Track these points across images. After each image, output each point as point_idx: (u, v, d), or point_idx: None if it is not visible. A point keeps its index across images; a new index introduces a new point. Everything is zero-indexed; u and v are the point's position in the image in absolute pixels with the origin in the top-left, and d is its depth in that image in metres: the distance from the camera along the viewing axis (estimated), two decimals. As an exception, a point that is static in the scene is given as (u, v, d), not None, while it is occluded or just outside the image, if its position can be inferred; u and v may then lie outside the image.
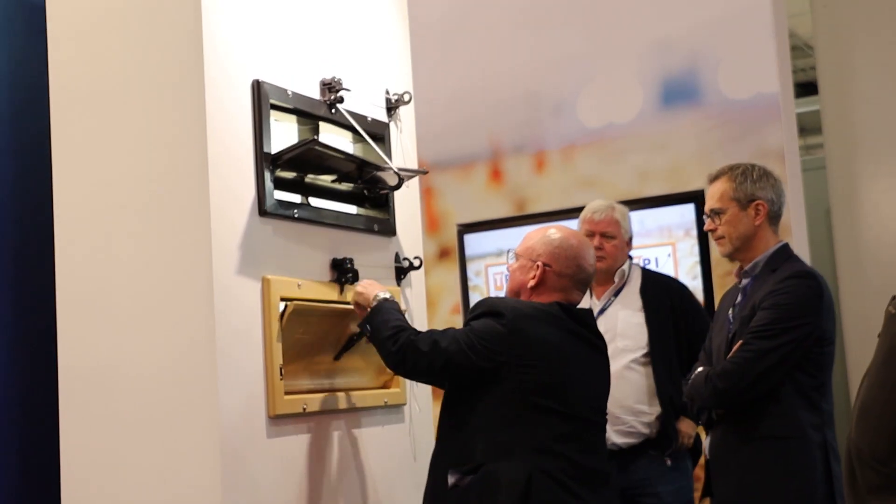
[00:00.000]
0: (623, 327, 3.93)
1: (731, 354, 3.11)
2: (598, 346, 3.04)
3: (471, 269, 5.44)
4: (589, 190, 5.15)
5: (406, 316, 3.38)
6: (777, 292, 3.09)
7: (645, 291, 3.98)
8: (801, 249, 4.65)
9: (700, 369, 3.26)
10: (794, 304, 3.08)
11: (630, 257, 4.12)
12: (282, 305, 2.97)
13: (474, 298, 5.42)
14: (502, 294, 5.27)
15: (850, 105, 5.15)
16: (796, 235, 4.63)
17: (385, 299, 2.98)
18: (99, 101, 2.99)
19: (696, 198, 4.80)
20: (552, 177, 5.28)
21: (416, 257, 3.51)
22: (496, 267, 5.39)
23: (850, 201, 5.18)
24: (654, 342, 3.88)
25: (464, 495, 2.79)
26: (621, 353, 3.88)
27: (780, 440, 3.09)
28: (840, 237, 5.24)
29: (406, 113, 3.61)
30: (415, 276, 3.56)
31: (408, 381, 3.42)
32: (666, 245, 4.96)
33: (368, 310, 2.97)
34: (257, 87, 2.99)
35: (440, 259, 5.51)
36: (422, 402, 3.54)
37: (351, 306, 3.09)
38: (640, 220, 4.80)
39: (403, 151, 3.55)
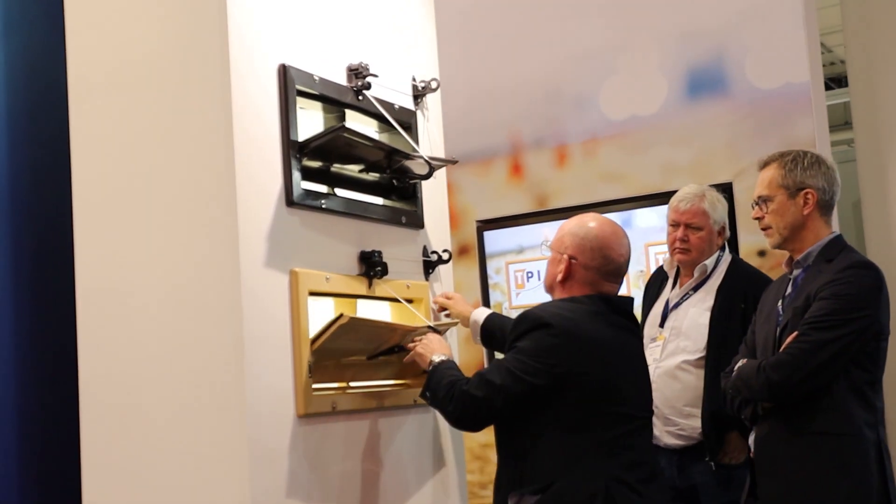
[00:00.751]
0: (688, 326, 3.75)
1: (785, 345, 2.97)
2: (636, 333, 2.95)
3: (490, 266, 5.31)
4: (612, 184, 5.04)
5: (433, 316, 3.28)
6: (836, 282, 2.96)
7: (721, 289, 3.76)
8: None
9: (744, 361, 3.12)
10: (854, 294, 2.94)
11: (723, 248, 3.90)
12: (320, 312, 2.88)
13: (495, 297, 5.29)
14: (526, 290, 5.22)
15: (880, 97, 5.03)
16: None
17: (440, 362, 2.89)
18: (119, 90, 2.87)
19: (724, 191, 4.65)
20: (574, 171, 5.15)
21: (444, 250, 3.39)
22: (517, 264, 5.26)
23: (880, 194, 5.06)
24: (713, 346, 3.67)
25: None
26: (679, 352, 3.72)
27: (834, 437, 2.95)
28: (870, 230, 5.12)
29: (433, 101, 3.48)
30: (443, 270, 3.44)
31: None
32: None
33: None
34: (284, 72, 2.87)
35: (459, 257, 5.35)
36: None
37: (399, 322, 3.02)
38: (665, 215, 4.66)
39: (430, 140, 3.43)
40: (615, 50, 5.05)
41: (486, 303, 5.23)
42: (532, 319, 2.76)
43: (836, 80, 9.23)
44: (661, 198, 4.84)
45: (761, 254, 4.56)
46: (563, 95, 5.17)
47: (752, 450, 3.15)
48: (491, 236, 5.31)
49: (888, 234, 5.04)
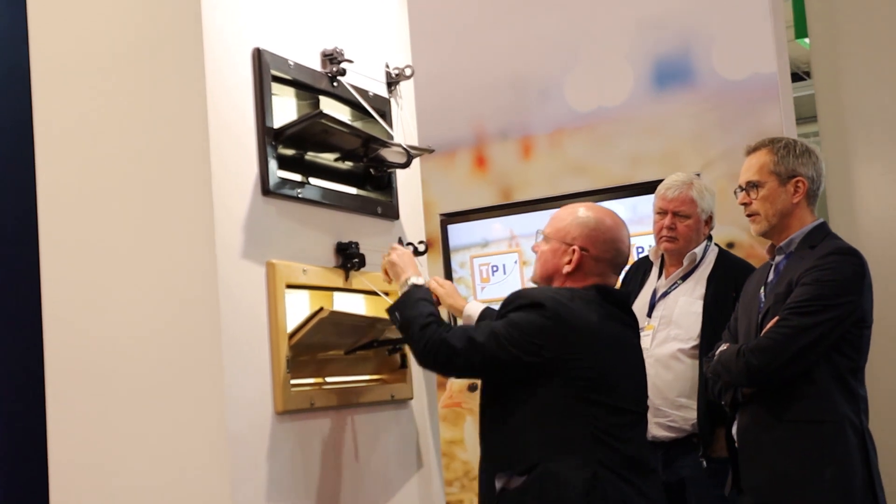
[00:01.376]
0: (679, 315, 3.68)
1: (766, 330, 2.93)
2: (634, 329, 2.87)
3: (455, 260, 5.22)
4: (579, 176, 4.98)
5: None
6: (819, 268, 2.92)
7: (712, 278, 3.71)
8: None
9: (725, 346, 3.08)
10: (836, 281, 2.91)
11: (709, 237, 3.85)
12: (296, 305, 2.78)
13: (459, 291, 5.20)
14: (492, 284, 5.14)
15: (843, 88, 5.01)
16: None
17: (416, 286, 2.77)
18: (85, 74, 2.74)
19: (692, 182, 4.63)
20: (540, 163, 5.09)
21: (420, 241, 3.30)
22: (482, 258, 5.19)
23: (845, 185, 5.05)
24: (706, 335, 3.60)
25: (518, 499, 2.58)
26: (671, 340, 3.65)
27: (816, 424, 2.92)
28: (836, 221, 5.11)
29: (406, 88, 3.39)
30: (419, 262, 3.34)
31: (414, 375, 3.21)
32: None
33: (399, 293, 2.78)
34: (258, 56, 2.76)
35: (422, 251, 5.29)
36: (428, 396, 3.32)
37: (376, 315, 2.91)
38: (633, 207, 4.64)
39: (404, 129, 3.33)
40: (581, 40, 5.00)
41: (451, 297, 5.14)
42: (526, 297, 2.68)
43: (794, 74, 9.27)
44: (629, 190, 4.81)
45: (730, 245, 4.53)
46: (529, 86, 5.11)
47: (736, 439, 3.10)
48: (455, 230, 5.23)
49: (853, 226, 5.04)
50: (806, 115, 6.28)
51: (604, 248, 2.76)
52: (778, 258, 3.10)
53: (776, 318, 2.93)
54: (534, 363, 2.59)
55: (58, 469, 2.69)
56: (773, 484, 2.97)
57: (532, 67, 5.09)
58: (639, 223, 4.75)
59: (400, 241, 3.03)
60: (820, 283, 2.90)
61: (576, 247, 2.75)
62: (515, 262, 5.11)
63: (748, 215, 3.12)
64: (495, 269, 5.15)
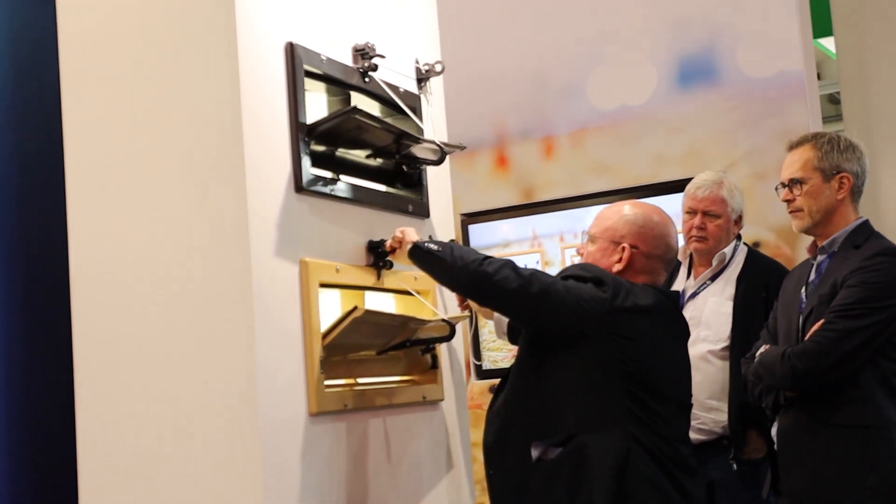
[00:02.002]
0: (708, 316, 3.62)
1: (811, 333, 2.87)
2: (687, 333, 2.83)
3: (475, 261, 5.16)
4: (601, 176, 4.93)
5: (443, 308, 3.15)
6: (865, 269, 2.86)
7: (742, 278, 3.64)
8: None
9: (765, 347, 3.02)
10: (883, 283, 2.85)
11: (738, 237, 3.79)
12: (328, 304, 2.73)
13: (479, 292, 5.15)
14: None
15: (869, 87, 4.96)
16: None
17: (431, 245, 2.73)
18: (116, 69, 2.68)
19: (716, 182, 4.57)
20: (561, 163, 5.03)
21: (451, 240, 3.24)
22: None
23: (870, 185, 4.98)
24: (737, 335, 3.54)
25: (554, 470, 2.54)
26: (701, 342, 3.57)
27: (861, 429, 2.86)
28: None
29: (436, 84, 3.34)
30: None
31: (445, 376, 3.16)
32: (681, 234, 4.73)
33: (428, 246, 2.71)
34: (291, 51, 2.71)
35: (442, 251, 5.23)
36: (457, 398, 3.27)
37: (409, 314, 2.88)
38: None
39: (434, 126, 3.28)
40: (604, 38, 4.94)
41: (471, 299, 5.09)
42: (586, 269, 2.66)
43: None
44: (652, 189, 4.75)
45: (756, 245, 4.47)
46: (550, 85, 5.05)
47: (776, 442, 3.05)
48: (476, 230, 5.17)
49: (878, 226, 4.97)
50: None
51: (654, 244, 2.72)
52: (820, 258, 3.04)
53: (822, 322, 2.87)
54: (580, 331, 2.55)
55: (87, 471, 2.63)
56: (813, 488, 2.92)
57: (554, 66, 5.04)
58: (663, 223, 4.69)
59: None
60: (866, 286, 2.84)
61: (625, 244, 2.71)
62: (537, 262, 5.06)
63: (791, 212, 3.06)
64: (517, 269, 5.09)
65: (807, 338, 2.89)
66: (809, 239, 3.14)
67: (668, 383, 2.66)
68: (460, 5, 5.17)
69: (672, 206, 4.61)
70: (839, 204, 3.00)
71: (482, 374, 5.11)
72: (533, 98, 5.08)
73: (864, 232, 2.99)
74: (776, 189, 3.12)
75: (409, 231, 2.80)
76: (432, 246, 2.68)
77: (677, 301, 2.85)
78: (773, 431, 3.06)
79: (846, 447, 2.87)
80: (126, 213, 2.63)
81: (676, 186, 4.67)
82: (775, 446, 3.07)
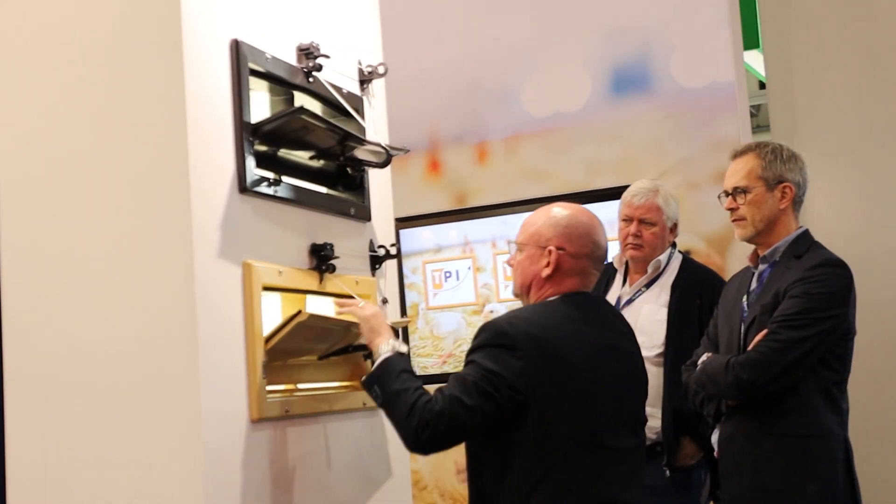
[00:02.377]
0: (643, 323, 3.62)
1: (755, 343, 2.89)
2: (621, 331, 2.69)
3: (407, 265, 5.14)
4: (534, 182, 4.94)
5: (381, 310, 3.10)
6: (808, 280, 2.89)
7: (676, 286, 3.67)
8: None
9: (708, 356, 3.03)
10: (825, 293, 2.88)
11: (673, 245, 3.81)
12: (268, 308, 2.65)
13: (411, 297, 5.13)
14: (444, 290, 5.03)
15: (796, 99, 5.04)
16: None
17: (396, 355, 2.58)
18: (51, 66, 2.58)
19: (648, 190, 4.60)
20: (495, 168, 5.03)
21: (392, 244, 3.20)
22: (434, 264, 5.11)
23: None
24: (671, 342, 3.57)
25: None
26: None
27: (801, 438, 2.89)
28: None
29: (378, 87, 3.29)
30: (388, 266, 3.25)
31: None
32: (616, 241, 4.74)
33: (375, 358, 2.60)
34: (236, 48, 2.64)
35: (373, 256, 5.18)
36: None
37: (353, 319, 2.76)
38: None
39: (375, 128, 3.23)
40: (539, 45, 4.96)
41: (403, 304, 5.05)
42: (494, 331, 2.49)
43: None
44: (586, 196, 4.77)
45: (687, 253, 4.51)
46: (485, 90, 5.05)
47: (716, 449, 3.06)
48: (407, 235, 5.14)
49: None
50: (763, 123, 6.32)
51: (580, 243, 2.61)
52: (762, 267, 3.07)
53: (765, 332, 2.89)
54: (508, 409, 2.43)
55: (18, 477, 2.53)
56: (754, 495, 2.94)
57: (489, 71, 5.04)
58: (595, 230, 4.71)
59: (384, 301, 2.89)
60: (809, 296, 2.87)
61: (552, 247, 2.60)
62: (469, 268, 5.05)
63: (734, 220, 3.09)
64: (448, 275, 5.08)
65: (750, 348, 2.91)
66: (741, 247, 3.18)
67: (604, 424, 2.52)
68: (395, 9, 5.13)
69: (606, 213, 4.61)
70: (781, 213, 3.03)
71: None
72: (467, 103, 5.07)
73: (805, 242, 3.03)
74: (719, 197, 3.14)
75: (374, 327, 2.68)
76: (376, 389, 2.54)
77: (602, 304, 2.76)
78: (714, 438, 3.07)
79: (787, 456, 2.89)
80: (63, 215, 2.53)
81: (610, 194, 4.72)
82: (715, 453, 3.08)
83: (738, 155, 3.11)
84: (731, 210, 3.07)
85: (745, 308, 3.03)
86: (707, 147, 4.62)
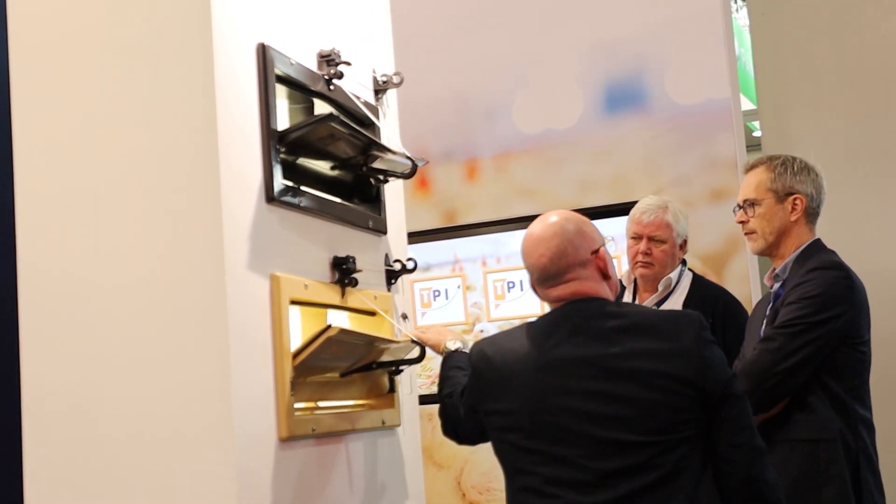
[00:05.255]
0: None
1: (752, 353, 2.87)
2: (603, 343, 2.39)
3: (394, 284, 5.02)
4: (525, 200, 4.87)
5: (400, 323, 3.03)
6: (802, 285, 2.87)
7: (688, 304, 3.61)
8: (751, 262, 4.49)
9: None
10: (820, 296, 2.85)
11: (683, 262, 3.76)
12: (293, 321, 2.56)
13: (398, 316, 5.02)
14: (433, 310, 4.93)
15: (787, 116, 5.05)
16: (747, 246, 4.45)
17: (451, 352, 2.91)
18: (79, 74, 2.46)
19: (644, 208, 4.56)
20: (485, 186, 4.96)
21: (408, 259, 3.12)
22: (423, 283, 5.01)
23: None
24: None
25: None
26: None
27: (811, 443, 2.86)
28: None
29: (392, 97, 3.21)
30: (403, 281, 3.16)
31: (398, 401, 3.02)
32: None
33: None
34: (263, 53, 2.54)
35: (359, 274, 5.08)
36: (412, 423, 3.13)
37: (379, 335, 2.79)
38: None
39: (389, 139, 3.14)
40: (530, 61, 4.91)
41: (391, 323, 4.95)
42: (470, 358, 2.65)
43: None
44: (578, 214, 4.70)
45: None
46: (475, 107, 4.99)
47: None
48: (395, 253, 5.03)
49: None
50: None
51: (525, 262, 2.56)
52: (776, 286, 3.03)
53: (762, 340, 2.88)
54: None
55: (44, 491, 2.39)
56: None
57: (479, 87, 4.98)
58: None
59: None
60: (802, 301, 2.85)
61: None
62: (458, 286, 4.96)
63: (746, 234, 3.06)
64: (437, 293, 4.99)
65: (748, 357, 2.89)
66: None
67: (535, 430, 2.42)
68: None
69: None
70: (793, 225, 3.00)
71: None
72: (457, 120, 5.00)
73: (812, 250, 2.99)
74: (733, 210, 3.11)
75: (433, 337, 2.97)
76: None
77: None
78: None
79: (798, 462, 2.85)
80: (91, 226, 2.41)
81: (604, 212, 4.67)
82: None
83: (750, 168, 3.09)
84: (742, 223, 3.04)
85: (763, 328, 2.99)
86: (702, 165, 4.60)
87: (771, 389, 2.83)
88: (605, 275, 2.50)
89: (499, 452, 2.50)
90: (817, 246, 3.03)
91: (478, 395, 2.53)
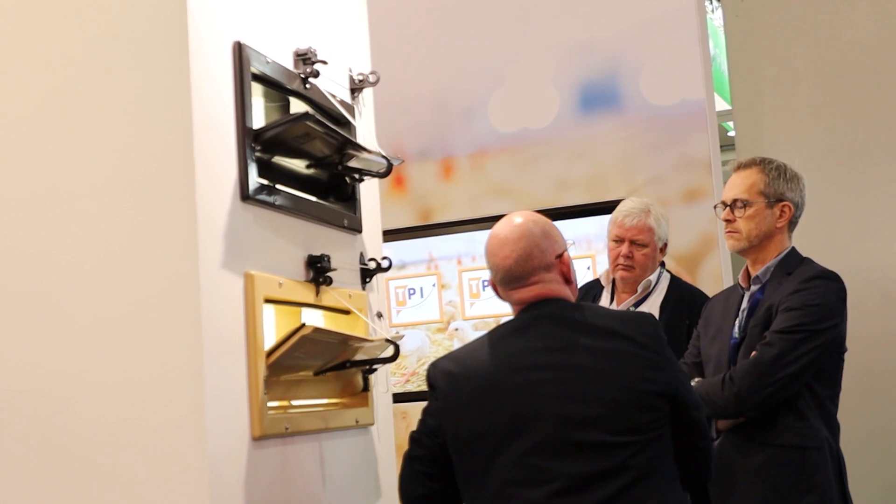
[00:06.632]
0: None
1: (752, 355, 2.88)
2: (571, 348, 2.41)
3: (369, 282, 5.02)
4: (501, 199, 4.88)
5: (375, 321, 3.03)
6: (804, 292, 2.88)
7: (665, 306, 3.63)
8: (724, 262, 4.51)
9: (697, 381, 3.00)
10: (822, 305, 2.88)
11: (662, 264, 3.78)
12: (265, 318, 2.54)
13: (373, 314, 5.02)
14: (408, 308, 4.90)
15: (761, 117, 5.08)
16: (721, 246, 4.48)
17: None
18: (50, 60, 2.45)
19: (618, 208, 4.58)
20: (461, 185, 4.96)
21: (384, 257, 3.12)
22: (398, 281, 5.01)
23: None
24: None
25: None
26: None
27: (797, 450, 2.88)
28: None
29: (368, 95, 3.21)
30: (377, 280, 3.16)
31: (372, 400, 3.02)
32: (585, 258, 4.72)
33: None
34: (239, 51, 2.54)
35: (334, 272, 5.08)
36: (385, 423, 3.13)
37: (354, 333, 2.74)
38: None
39: (365, 138, 3.14)
40: (506, 60, 4.91)
41: (366, 321, 4.95)
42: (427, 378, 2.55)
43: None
44: (553, 213, 4.71)
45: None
46: (451, 105, 4.99)
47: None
48: (370, 251, 5.03)
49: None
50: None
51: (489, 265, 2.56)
52: (753, 288, 3.05)
53: (763, 344, 2.87)
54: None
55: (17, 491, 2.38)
56: None
57: (455, 86, 4.98)
58: (562, 248, 4.66)
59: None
60: (807, 308, 2.87)
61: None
62: (434, 285, 4.97)
63: (728, 231, 3.07)
64: (412, 291, 4.99)
65: (748, 360, 2.89)
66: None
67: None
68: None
69: (575, 231, 4.63)
70: (777, 231, 3.03)
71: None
72: (433, 118, 5.00)
73: (795, 258, 3.03)
74: (715, 208, 3.12)
75: None
76: None
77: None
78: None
79: (782, 468, 2.87)
80: (63, 223, 2.39)
81: (579, 211, 4.69)
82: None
83: (741, 167, 3.09)
84: (727, 221, 3.05)
85: (736, 329, 3.00)
86: (677, 165, 4.62)
87: (772, 395, 2.85)
88: (568, 279, 2.52)
89: (468, 471, 2.42)
90: (798, 255, 3.06)
91: (446, 415, 2.45)
